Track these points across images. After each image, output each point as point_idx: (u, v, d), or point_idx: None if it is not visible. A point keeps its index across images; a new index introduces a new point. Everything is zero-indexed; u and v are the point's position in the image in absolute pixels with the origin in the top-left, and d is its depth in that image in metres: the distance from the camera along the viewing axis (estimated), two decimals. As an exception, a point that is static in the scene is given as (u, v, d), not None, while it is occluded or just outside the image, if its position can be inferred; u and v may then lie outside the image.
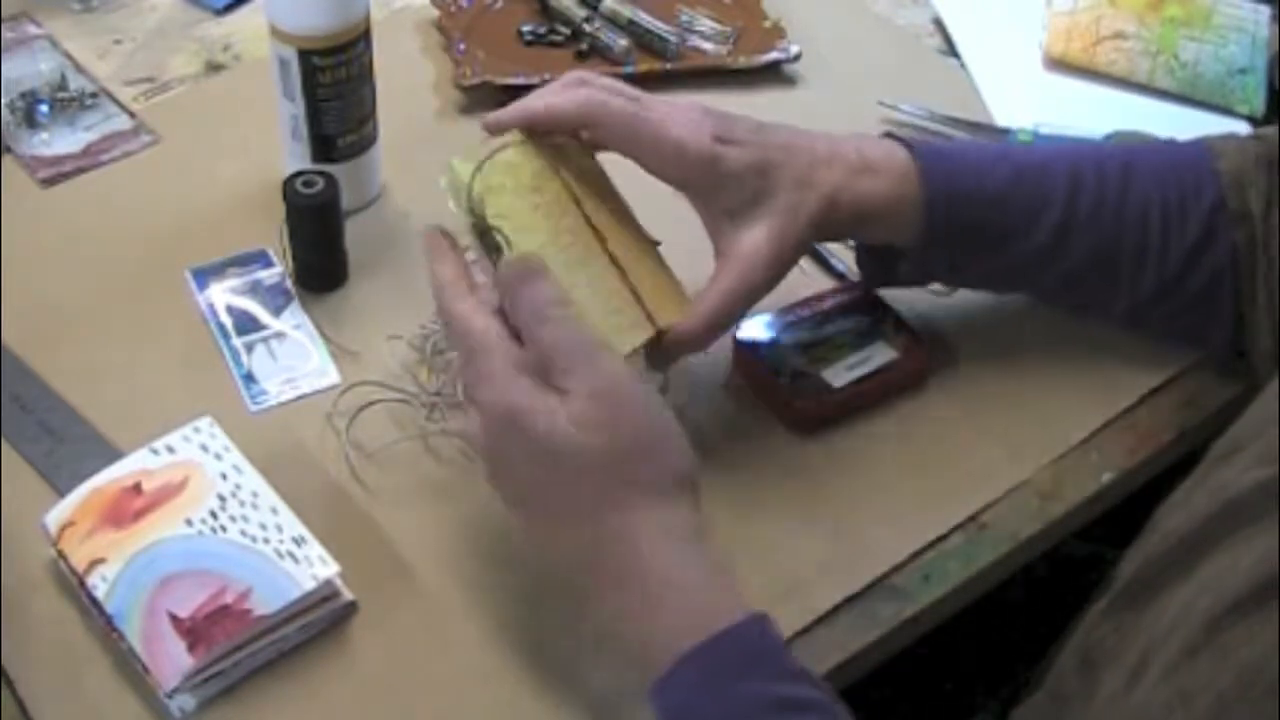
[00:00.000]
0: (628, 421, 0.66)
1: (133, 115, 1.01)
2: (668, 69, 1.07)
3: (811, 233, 0.79)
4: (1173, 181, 0.84)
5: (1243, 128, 1.05)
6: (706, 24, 1.12)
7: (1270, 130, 0.88)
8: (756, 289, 0.78)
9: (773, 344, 0.85)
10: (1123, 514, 0.80)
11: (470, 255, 0.74)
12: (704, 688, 0.62)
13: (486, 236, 0.72)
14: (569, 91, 0.77)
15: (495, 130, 0.76)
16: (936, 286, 0.88)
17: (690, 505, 0.67)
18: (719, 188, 0.77)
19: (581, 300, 0.71)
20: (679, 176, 0.78)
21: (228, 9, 1.11)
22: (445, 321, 0.71)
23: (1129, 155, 0.86)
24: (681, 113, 0.78)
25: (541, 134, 0.76)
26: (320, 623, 0.73)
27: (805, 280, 0.88)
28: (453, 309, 0.69)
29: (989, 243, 0.82)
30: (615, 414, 0.65)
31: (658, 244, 0.79)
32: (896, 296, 0.88)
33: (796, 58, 1.09)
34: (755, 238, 0.77)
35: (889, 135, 0.83)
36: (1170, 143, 0.90)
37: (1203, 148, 0.86)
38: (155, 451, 0.76)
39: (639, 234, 0.78)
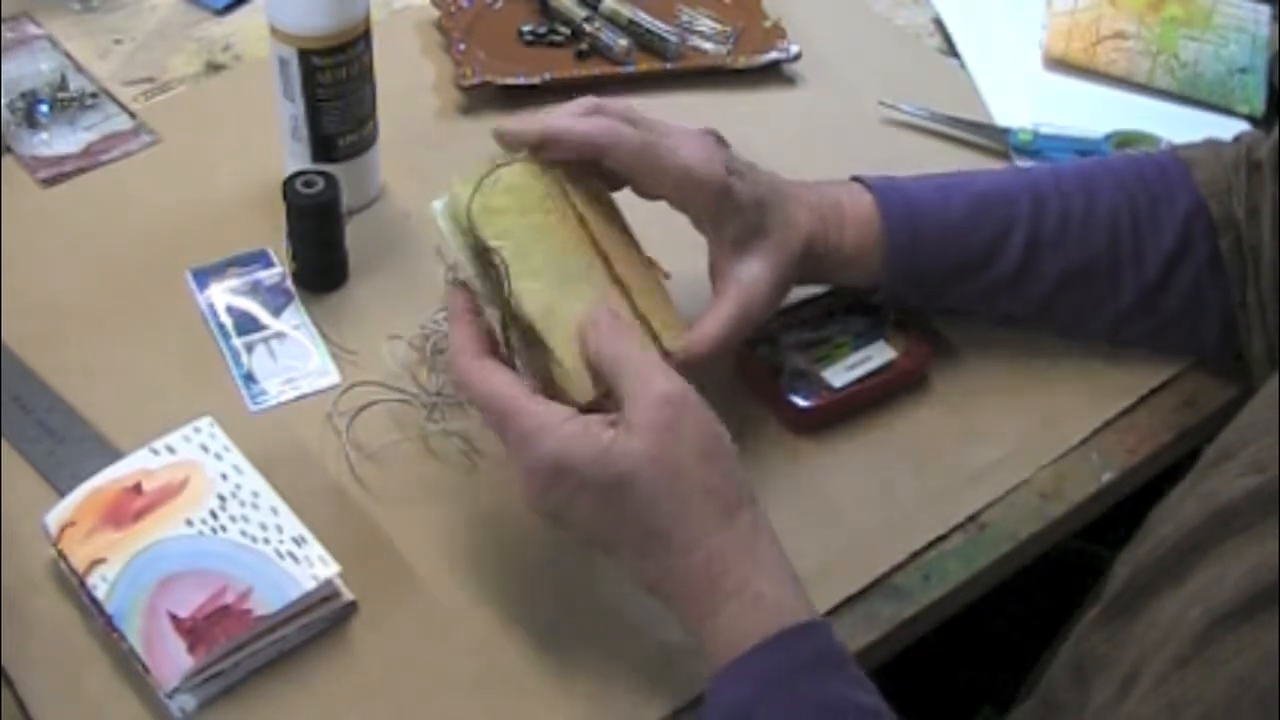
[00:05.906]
0: (692, 426, 0.66)
1: (133, 115, 1.01)
2: (668, 69, 1.07)
3: (795, 273, 0.81)
4: (1141, 191, 0.84)
5: (1243, 128, 1.05)
6: (706, 24, 1.12)
7: (1250, 132, 0.88)
8: (757, 316, 0.80)
9: (773, 344, 0.85)
10: (1123, 514, 0.80)
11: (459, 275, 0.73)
12: (773, 682, 0.63)
13: (484, 256, 0.72)
14: (586, 119, 0.77)
15: (509, 141, 0.76)
16: None
17: (756, 510, 0.68)
18: (727, 217, 0.79)
19: (581, 316, 0.71)
20: (689, 202, 0.79)
21: (228, 9, 1.11)
22: (461, 388, 0.71)
23: (1092, 169, 0.87)
24: (695, 140, 0.79)
25: (552, 155, 0.76)
26: (320, 623, 0.73)
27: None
28: (469, 375, 0.69)
29: (957, 274, 0.84)
30: (678, 420, 0.66)
31: (667, 275, 0.80)
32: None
33: (796, 58, 1.09)
34: (756, 268, 0.79)
35: (855, 179, 0.85)
36: (1136, 154, 0.90)
37: (1174, 158, 0.86)
38: (155, 451, 0.76)
39: (643, 260, 0.79)
